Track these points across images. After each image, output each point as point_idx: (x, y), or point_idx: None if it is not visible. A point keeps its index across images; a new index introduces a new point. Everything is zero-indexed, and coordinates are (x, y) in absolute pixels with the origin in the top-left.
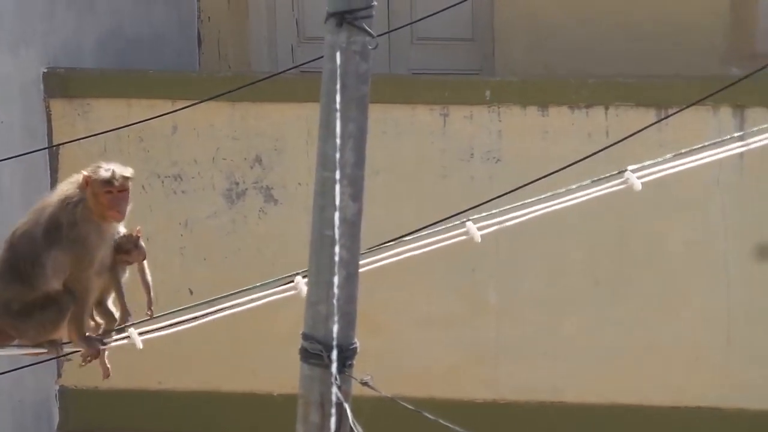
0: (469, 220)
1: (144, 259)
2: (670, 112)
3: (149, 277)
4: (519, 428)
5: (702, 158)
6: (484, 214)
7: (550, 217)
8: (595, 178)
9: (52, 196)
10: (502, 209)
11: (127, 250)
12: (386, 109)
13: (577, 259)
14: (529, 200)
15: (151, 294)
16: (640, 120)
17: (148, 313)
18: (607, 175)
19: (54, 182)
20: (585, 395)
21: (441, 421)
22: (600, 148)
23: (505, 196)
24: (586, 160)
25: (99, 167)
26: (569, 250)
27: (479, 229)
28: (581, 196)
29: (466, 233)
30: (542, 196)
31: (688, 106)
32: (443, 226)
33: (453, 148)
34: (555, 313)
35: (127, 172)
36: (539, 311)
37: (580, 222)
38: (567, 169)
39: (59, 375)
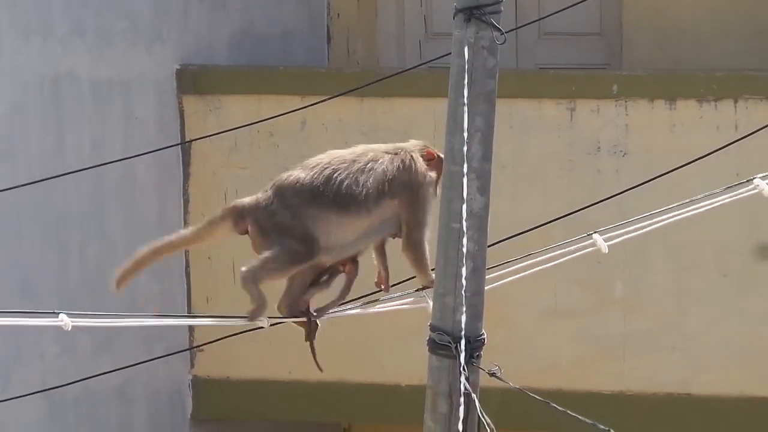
0: (596, 232)
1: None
2: None
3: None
4: (646, 420)
5: None
6: (611, 226)
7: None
8: (724, 187)
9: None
10: (628, 221)
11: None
12: (513, 103)
13: (704, 250)
14: (657, 210)
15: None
16: None
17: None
18: (735, 183)
19: (186, 177)
20: (712, 387)
21: (569, 412)
22: (729, 142)
23: (632, 191)
24: (715, 153)
25: (433, 149)
26: (696, 242)
27: (606, 240)
28: (709, 205)
29: (593, 245)
30: (671, 206)
31: None
32: (569, 239)
33: (580, 141)
34: (681, 305)
35: None
36: (666, 303)
37: (708, 213)
38: (695, 162)
39: (192, 365)
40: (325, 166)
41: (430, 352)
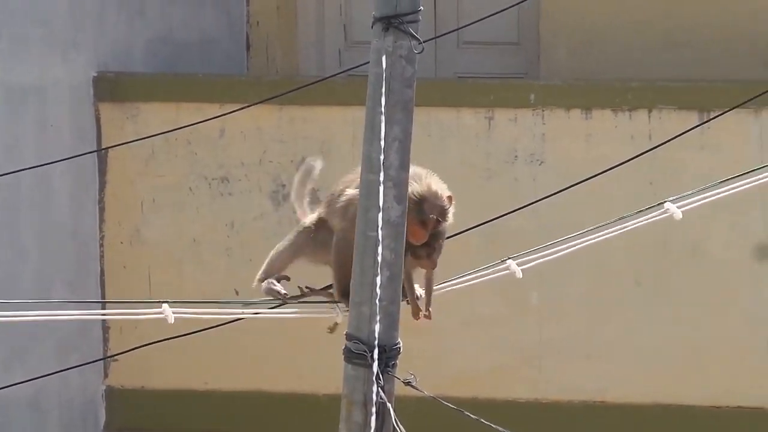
0: (510, 258)
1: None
2: (712, 115)
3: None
4: (562, 428)
5: (741, 185)
6: (522, 253)
7: (593, 218)
8: (636, 211)
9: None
10: (540, 246)
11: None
12: (432, 112)
13: (619, 259)
14: (571, 235)
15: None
16: (683, 123)
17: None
18: (647, 207)
19: (102, 185)
20: (627, 395)
21: (483, 420)
22: (642, 151)
23: (548, 199)
24: (630, 162)
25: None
26: (611, 250)
27: (520, 264)
28: (620, 229)
29: (507, 269)
30: (583, 231)
31: (729, 110)
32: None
33: (497, 150)
34: (597, 313)
35: None
36: (582, 311)
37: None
38: (610, 171)
39: (106, 375)
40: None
41: (345, 361)
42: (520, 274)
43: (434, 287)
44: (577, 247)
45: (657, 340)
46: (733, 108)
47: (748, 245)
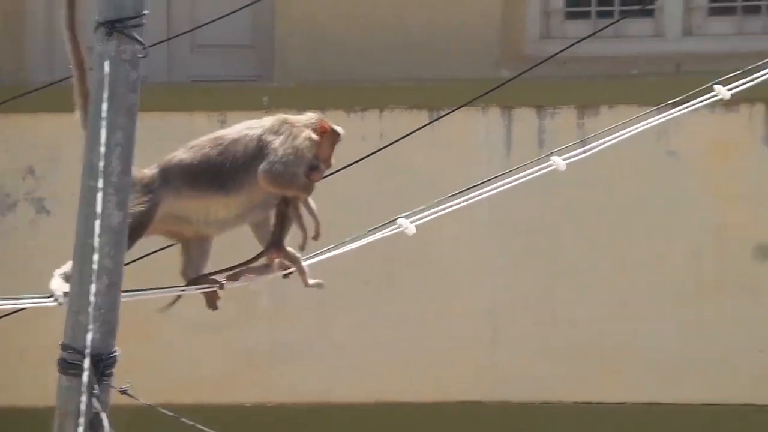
0: (221, 283)
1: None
2: (442, 113)
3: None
4: (287, 430)
5: (467, 199)
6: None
7: (329, 218)
8: (371, 228)
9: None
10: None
11: None
12: (165, 116)
13: (346, 258)
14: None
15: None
16: (414, 122)
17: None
18: (380, 224)
19: None
20: (353, 395)
21: (199, 426)
22: (374, 150)
23: None
24: (362, 161)
25: (328, 122)
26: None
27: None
28: (353, 242)
29: (221, 287)
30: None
31: (457, 108)
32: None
33: None
34: (326, 314)
35: None
36: (311, 313)
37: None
38: (344, 170)
39: None
40: (204, 145)
41: (60, 372)
42: (413, 230)
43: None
44: (319, 257)
45: (384, 339)
46: (461, 107)
47: (473, 243)
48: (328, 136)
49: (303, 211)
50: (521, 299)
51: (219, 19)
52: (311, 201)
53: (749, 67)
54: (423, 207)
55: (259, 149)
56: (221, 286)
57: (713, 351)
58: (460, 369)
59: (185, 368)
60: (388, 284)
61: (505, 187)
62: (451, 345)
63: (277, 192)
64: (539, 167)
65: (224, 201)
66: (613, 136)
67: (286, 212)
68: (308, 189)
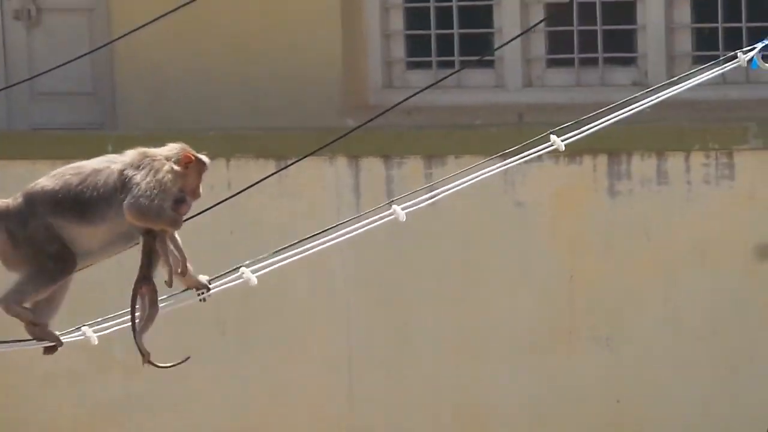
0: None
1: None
2: (289, 162)
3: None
4: None
5: (308, 249)
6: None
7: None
8: (214, 277)
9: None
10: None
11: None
12: (7, 165)
13: (202, 308)
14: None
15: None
16: (262, 171)
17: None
18: (225, 271)
19: None
20: None
21: None
22: (222, 199)
23: None
24: (210, 211)
25: (190, 151)
26: (197, 304)
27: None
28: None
29: (83, 335)
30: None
31: (304, 157)
32: None
33: None
34: (182, 364)
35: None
36: (167, 362)
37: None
38: (192, 220)
39: None
40: (65, 173)
41: None
42: (95, 341)
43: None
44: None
45: (239, 390)
46: (308, 155)
47: (327, 295)
48: (193, 166)
49: (170, 245)
50: (376, 351)
51: (58, 67)
52: (177, 236)
53: (584, 117)
54: (265, 255)
55: (121, 182)
56: (60, 343)
57: (569, 400)
58: (315, 421)
59: (41, 419)
60: (244, 335)
61: (347, 237)
62: (307, 397)
63: (144, 226)
64: (380, 216)
65: (86, 231)
66: (454, 184)
67: (153, 246)
68: (176, 223)
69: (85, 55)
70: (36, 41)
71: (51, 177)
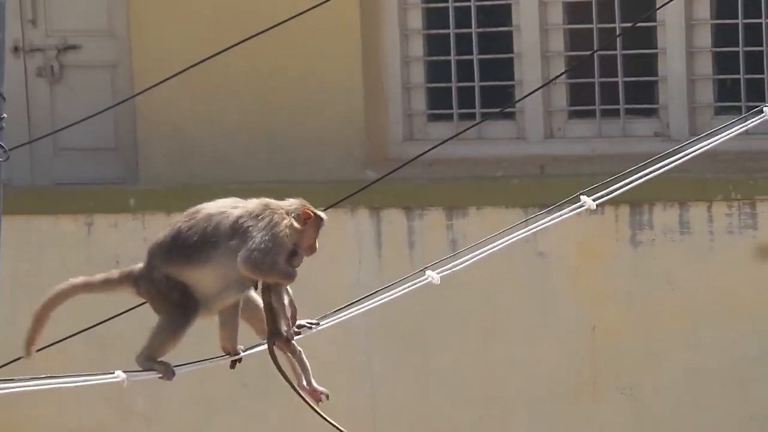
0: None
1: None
2: None
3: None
4: None
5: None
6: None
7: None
8: None
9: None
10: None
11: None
12: (31, 220)
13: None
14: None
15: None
16: None
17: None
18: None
19: None
20: None
21: None
22: None
23: None
24: None
25: (310, 207)
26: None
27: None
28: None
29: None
30: None
31: (326, 209)
32: None
33: (98, 256)
34: (205, 414)
35: None
36: (188, 413)
37: None
38: None
39: None
40: (179, 220)
41: None
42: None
43: None
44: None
45: None
46: (329, 207)
47: (348, 348)
48: (312, 222)
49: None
50: (399, 402)
51: (81, 121)
52: (290, 289)
53: (612, 177)
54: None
55: (233, 229)
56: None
57: None
58: None
59: None
60: (266, 387)
61: (381, 301)
62: None
63: (256, 279)
64: (414, 282)
65: (195, 274)
66: (488, 247)
67: (270, 301)
68: (289, 276)
69: (108, 109)
70: (59, 97)
71: (167, 226)
